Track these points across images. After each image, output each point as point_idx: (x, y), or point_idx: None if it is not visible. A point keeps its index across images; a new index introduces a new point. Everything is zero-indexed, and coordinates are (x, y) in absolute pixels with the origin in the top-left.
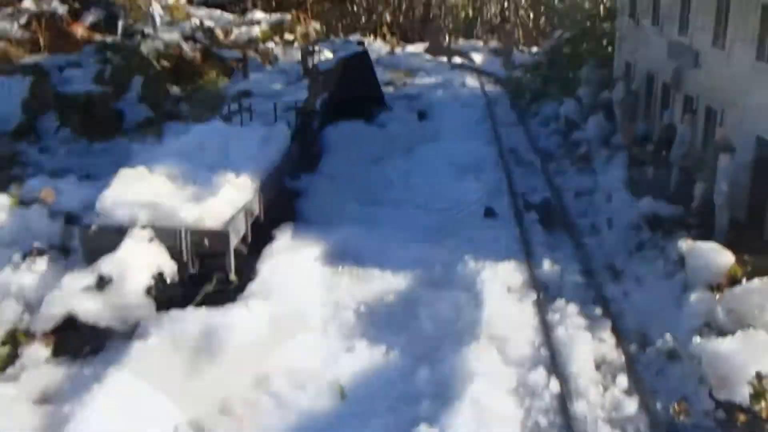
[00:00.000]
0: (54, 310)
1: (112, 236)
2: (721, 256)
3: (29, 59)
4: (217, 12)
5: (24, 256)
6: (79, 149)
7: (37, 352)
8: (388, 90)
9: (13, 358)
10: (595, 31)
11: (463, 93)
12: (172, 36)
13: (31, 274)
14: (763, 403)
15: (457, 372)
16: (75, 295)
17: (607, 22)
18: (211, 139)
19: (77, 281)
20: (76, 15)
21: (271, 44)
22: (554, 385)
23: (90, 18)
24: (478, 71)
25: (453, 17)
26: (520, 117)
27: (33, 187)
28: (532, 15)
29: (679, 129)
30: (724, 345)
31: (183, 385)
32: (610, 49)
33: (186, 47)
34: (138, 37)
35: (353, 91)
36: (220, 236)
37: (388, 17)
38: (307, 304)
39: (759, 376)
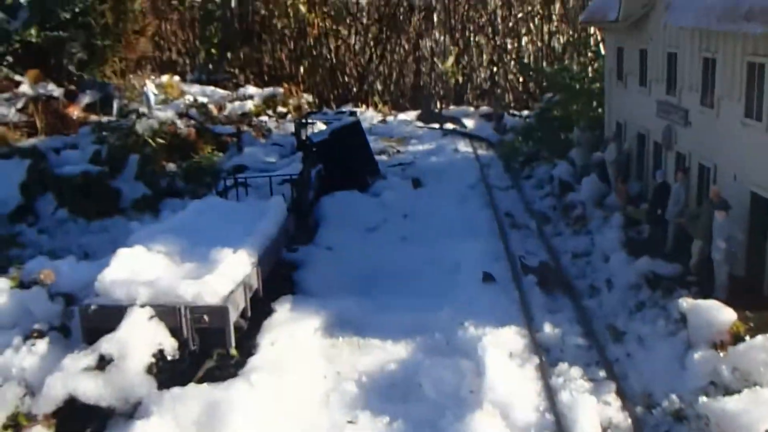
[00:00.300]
0: (55, 391)
1: (112, 315)
2: (722, 314)
3: (26, 142)
4: (210, 88)
5: (24, 339)
6: (77, 229)
7: None
8: (381, 158)
9: None
10: (584, 92)
11: (456, 158)
12: (167, 114)
13: (31, 356)
14: None
15: None
16: (76, 376)
17: (595, 83)
18: (208, 214)
19: (78, 362)
20: (71, 97)
21: (264, 118)
22: None
23: (86, 99)
24: (470, 136)
25: (443, 84)
26: (514, 180)
27: (32, 268)
28: (521, 79)
29: (673, 187)
30: (731, 404)
31: None
32: (600, 110)
33: (180, 124)
34: (133, 117)
35: (347, 161)
36: (219, 312)
37: (379, 86)
38: (308, 376)
39: None
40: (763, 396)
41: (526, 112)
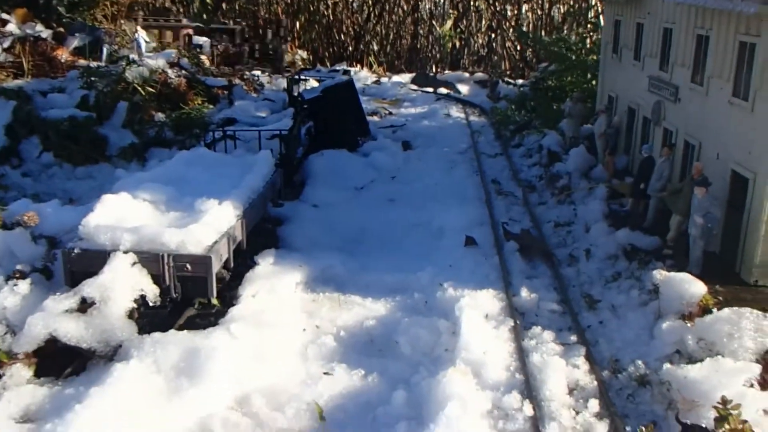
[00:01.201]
0: (36, 331)
1: (95, 260)
2: (693, 287)
3: (12, 83)
4: (203, 39)
5: (6, 279)
6: (62, 174)
7: (20, 372)
8: (373, 119)
9: None
10: (579, 64)
11: (447, 123)
12: (158, 62)
13: (13, 296)
14: (726, 426)
15: (433, 395)
16: (57, 317)
17: (592, 55)
18: (195, 165)
19: (59, 303)
20: (60, 39)
21: (257, 72)
22: (528, 409)
23: (74, 43)
24: (463, 102)
25: (440, 48)
26: (503, 148)
27: (16, 210)
28: (519, 47)
29: (658, 162)
30: (693, 372)
31: (164, 404)
32: (594, 82)
33: (171, 74)
34: (123, 63)
35: (338, 120)
36: (202, 261)
37: (375, 47)
38: (287, 328)
39: (724, 401)
40: (724, 365)
41: (521, 81)
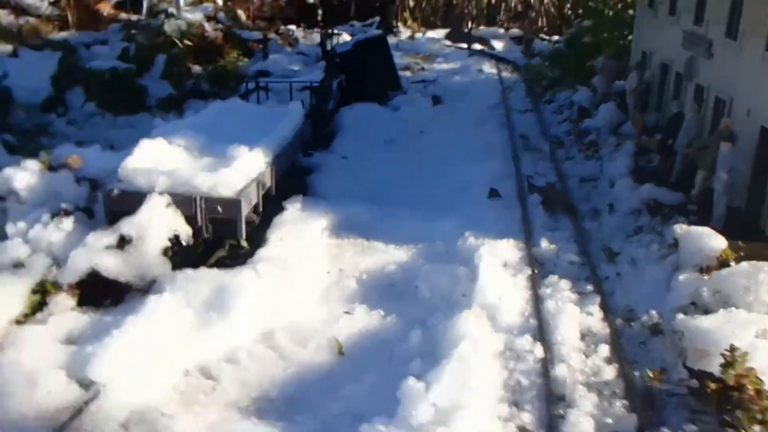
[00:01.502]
0: (79, 264)
1: (133, 200)
2: (713, 241)
3: (58, 35)
4: None
5: (52, 216)
6: (104, 122)
7: (64, 301)
8: (405, 74)
9: (42, 305)
10: (616, 19)
11: (479, 79)
12: (195, 16)
13: (58, 232)
14: (731, 372)
15: (448, 335)
16: (98, 253)
17: (628, 10)
18: (228, 115)
19: (100, 240)
20: None
21: (292, 26)
22: (539, 351)
23: None
24: (497, 58)
25: (476, 3)
26: (534, 104)
27: (60, 154)
28: (557, 3)
29: (686, 118)
30: (706, 322)
31: (193, 335)
32: (630, 38)
33: (208, 27)
34: (162, 17)
35: (369, 74)
36: (232, 204)
37: (410, 2)
38: (312, 270)
39: (732, 348)
40: (737, 316)
41: (556, 38)
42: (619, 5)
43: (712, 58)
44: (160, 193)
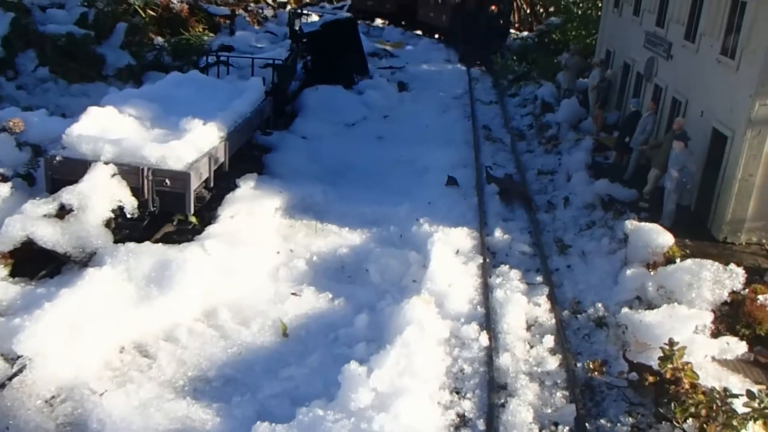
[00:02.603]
0: (14, 232)
1: (76, 168)
2: (661, 237)
3: None
4: None
5: None
6: (56, 89)
7: None
8: (373, 60)
9: None
10: (583, 18)
11: (447, 68)
12: None
13: None
14: (669, 365)
15: (395, 320)
16: (35, 221)
17: (596, 10)
18: (185, 87)
19: (38, 208)
20: None
21: (262, 4)
22: (484, 339)
23: None
24: None
25: None
26: (500, 97)
27: (2, 116)
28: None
29: (643, 116)
30: (649, 316)
31: (132, 311)
32: (596, 36)
33: None
34: None
35: (336, 56)
36: (180, 177)
37: None
38: (261, 249)
39: (671, 342)
40: (678, 312)
41: (526, 33)
42: (589, 4)
43: (672, 59)
44: (106, 163)
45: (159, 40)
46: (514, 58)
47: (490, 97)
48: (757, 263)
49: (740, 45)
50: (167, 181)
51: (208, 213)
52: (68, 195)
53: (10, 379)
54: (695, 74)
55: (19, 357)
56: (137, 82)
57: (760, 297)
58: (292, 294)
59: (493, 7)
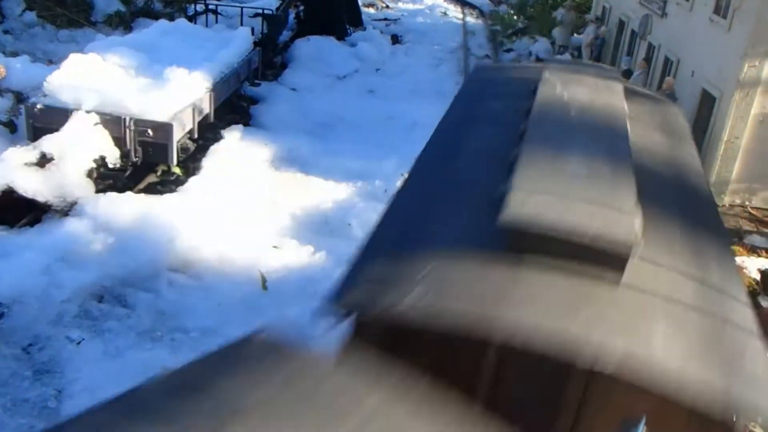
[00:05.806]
0: None
1: (57, 117)
2: None
3: None
4: None
5: None
6: (44, 35)
7: None
8: (368, 11)
9: None
10: None
11: (443, 22)
12: None
13: None
14: None
15: None
16: (15, 169)
17: None
18: (171, 35)
19: (19, 156)
20: None
21: None
22: None
23: None
24: (463, 3)
25: None
26: (494, 51)
27: None
28: None
29: (633, 75)
30: None
31: (112, 260)
32: None
33: None
34: None
35: (328, 7)
36: (163, 128)
37: None
38: (244, 201)
39: None
40: None
41: None
42: None
43: (666, 17)
44: (88, 112)
45: None
46: (511, 12)
47: (484, 51)
48: (739, 225)
49: (732, 4)
50: (149, 131)
51: (192, 164)
52: (49, 143)
53: None
54: (688, 33)
55: None
56: (127, 28)
57: (738, 259)
58: (274, 247)
59: None
